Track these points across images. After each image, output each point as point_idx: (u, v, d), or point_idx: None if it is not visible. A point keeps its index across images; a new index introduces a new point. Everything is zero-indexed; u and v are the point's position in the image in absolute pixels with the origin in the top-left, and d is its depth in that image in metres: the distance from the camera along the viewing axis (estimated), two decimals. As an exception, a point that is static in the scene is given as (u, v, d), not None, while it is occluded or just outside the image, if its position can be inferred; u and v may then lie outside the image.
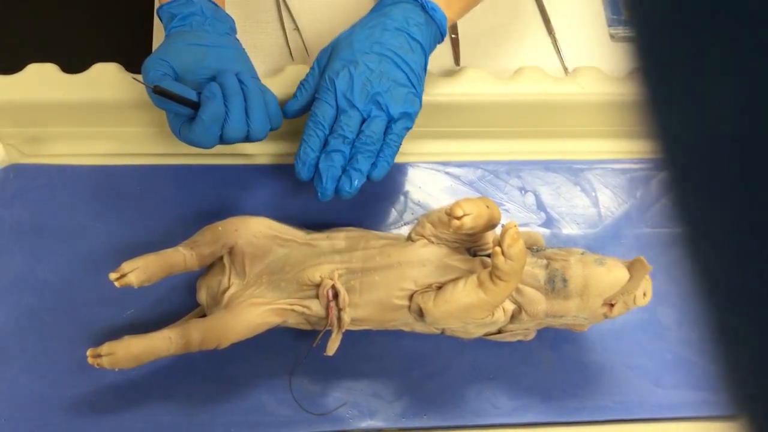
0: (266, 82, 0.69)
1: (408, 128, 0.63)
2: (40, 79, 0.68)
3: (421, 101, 0.64)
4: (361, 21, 0.65)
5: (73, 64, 0.69)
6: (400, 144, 0.63)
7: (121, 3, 0.82)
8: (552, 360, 0.61)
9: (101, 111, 0.69)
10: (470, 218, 0.51)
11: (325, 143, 0.61)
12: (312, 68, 0.65)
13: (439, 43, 0.67)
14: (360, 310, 0.55)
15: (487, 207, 0.53)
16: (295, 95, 0.65)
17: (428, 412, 0.58)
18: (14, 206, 0.65)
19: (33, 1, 0.83)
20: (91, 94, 0.68)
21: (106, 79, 0.68)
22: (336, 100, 0.61)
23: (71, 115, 0.69)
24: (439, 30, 0.65)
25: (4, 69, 0.68)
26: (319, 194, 0.60)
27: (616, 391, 0.60)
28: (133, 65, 0.70)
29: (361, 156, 0.60)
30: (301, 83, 0.65)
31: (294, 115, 0.65)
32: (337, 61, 0.62)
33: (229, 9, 0.67)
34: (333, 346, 0.55)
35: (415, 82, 0.63)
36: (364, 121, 0.61)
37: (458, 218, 0.51)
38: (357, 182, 0.60)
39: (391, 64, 0.62)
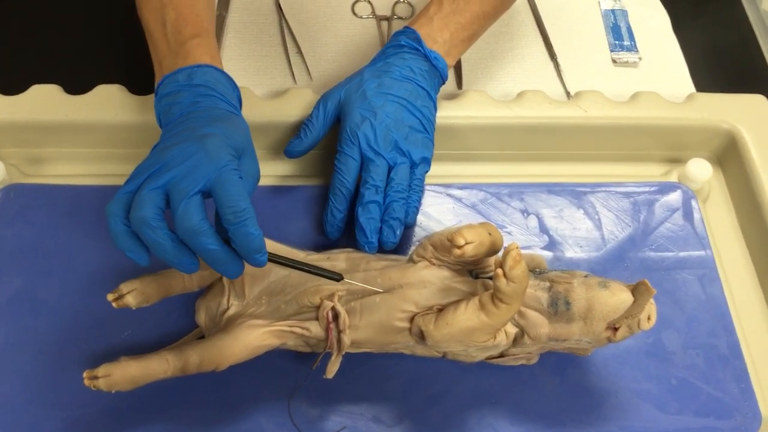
0: (268, 104, 0.69)
1: (427, 171, 0.66)
2: (43, 100, 0.68)
3: (433, 146, 0.66)
4: (368, 69, 0.66)
5: (75, 86, 0.69)
6: (423, 187, 0.66)
7: (124, 25, 0.83)
8: (555, 385, 0.60)
9: (103, 132, 0.69)
10: (472, 246, 0.51)
11: (359, 195, 0.62)
12: (316, 109, 0.66)
13: (441, 86, 0.69)
14: (360, 333, 0.55)
15: (489, 234, 0.52)
16: (299, 136, 0.66)
17: (429, 437, 0.57)
18: (15, 226, 0.64)
19: (36, 22, 0.84)
20: (93, 115, 0.68)
21: (109, 100, 0.68)
22: (360, 151, 0.63)
23: (73, 136, 0.69)
24: (441, 76, 0.68)
25: (7, 89, 0.69)
26: (366, 248, 0.61)
27: (621, 417, 0.59)
28: (135, 87, 0.70)
29: (396, 204, 0.62)
30: (306, 124, 0.66)
31: (297, 156, 0.66)
32: (355, 113, 0.63)
33: (234, 32, 0.67)
34: (333, 369, 0.55)
35: (429, 127, 0.66)
36: (389, 168, 0.63)
37: (460, 247, 0.51)
38: (399, 232, 0.62)
39: (406, 111, 0.64)
